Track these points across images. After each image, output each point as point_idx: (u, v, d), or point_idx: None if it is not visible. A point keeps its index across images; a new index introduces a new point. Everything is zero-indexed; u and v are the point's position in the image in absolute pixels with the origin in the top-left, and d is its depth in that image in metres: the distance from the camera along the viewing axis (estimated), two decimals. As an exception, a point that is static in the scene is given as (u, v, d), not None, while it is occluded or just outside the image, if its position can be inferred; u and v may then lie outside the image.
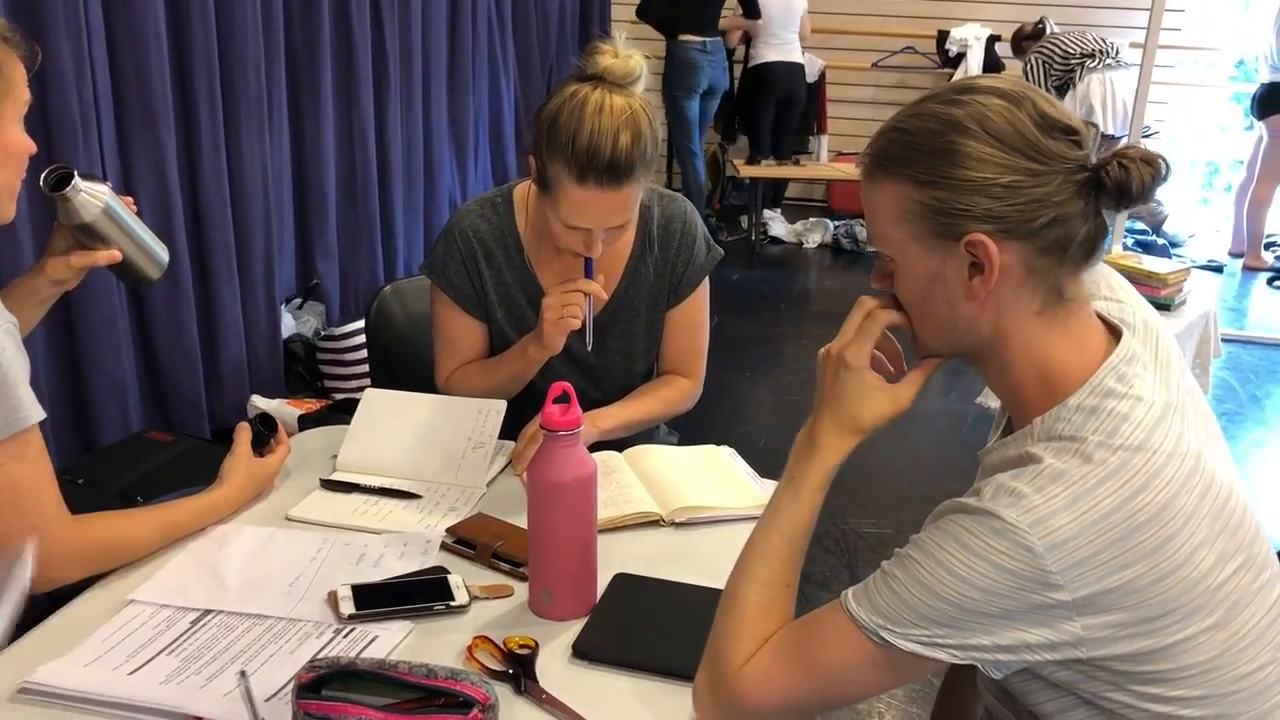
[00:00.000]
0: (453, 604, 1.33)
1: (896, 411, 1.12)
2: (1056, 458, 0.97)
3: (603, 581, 1.38)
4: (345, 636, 1.27)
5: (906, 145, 1.03)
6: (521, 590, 1.38)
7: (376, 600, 1.32)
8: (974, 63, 7.10)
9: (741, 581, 1.13)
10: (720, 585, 1.16)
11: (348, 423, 1.77)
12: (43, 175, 1.44)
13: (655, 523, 1.57)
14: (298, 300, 4.03)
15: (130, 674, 1.19)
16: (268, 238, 3.67)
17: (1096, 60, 6.10)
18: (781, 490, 1.16)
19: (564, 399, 1.29)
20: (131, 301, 3.21)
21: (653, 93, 6.26)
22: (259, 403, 3.54)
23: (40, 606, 1.37)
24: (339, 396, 3.78)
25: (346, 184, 4.21)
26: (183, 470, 2.54)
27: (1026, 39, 6.48)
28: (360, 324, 3.77)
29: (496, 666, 1.23)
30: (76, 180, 1.46)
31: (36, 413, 1.26)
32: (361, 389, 3.74)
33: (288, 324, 3.90)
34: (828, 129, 7.59)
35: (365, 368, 3.76)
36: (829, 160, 7.52)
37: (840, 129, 7.69)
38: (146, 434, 2.87)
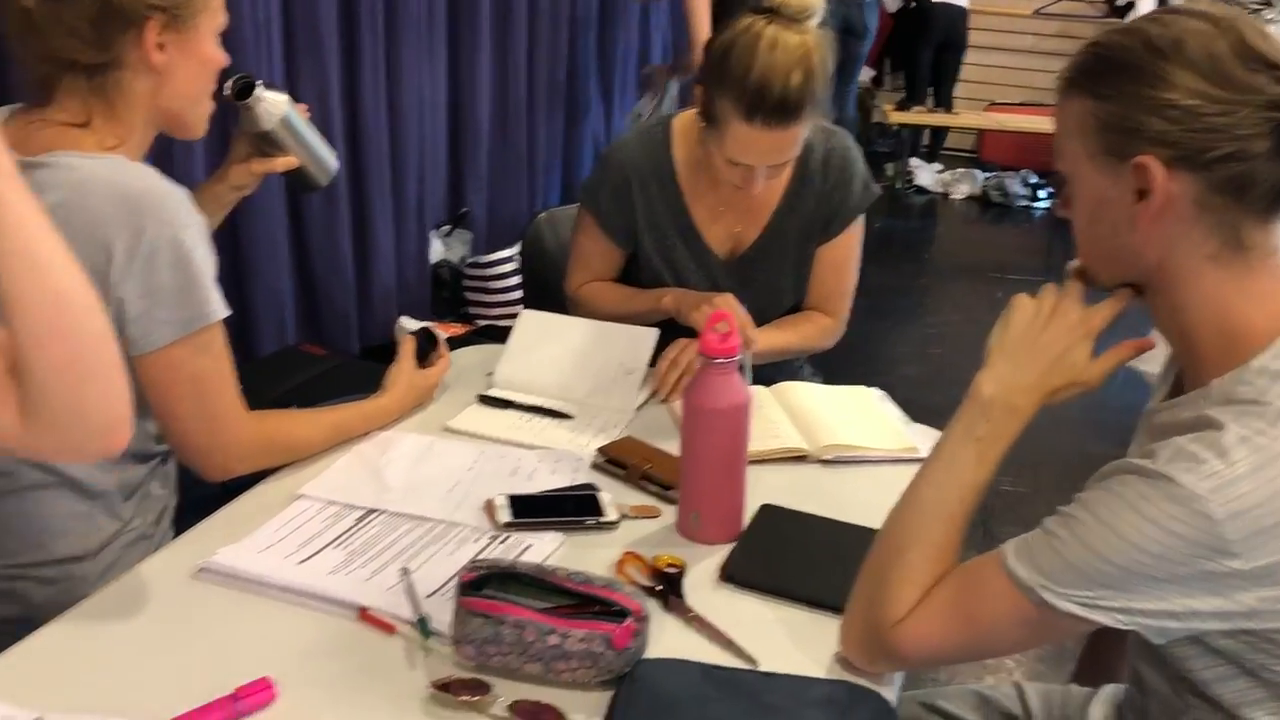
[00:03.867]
0: (603, 520, 1.36)
1: (1087, 390, 1.08)
2: (1238, 422, 0.92)
3: (748, 513, 1.39)
4: (501, 543, 1.32)
5: (1097, 59, 1.00)
6: (668, 513, 1.40)
7: (531, 510, 1.36)
8: (1143, 11, 6.75)
9: (910, 540, 1.09)
10: (865, 524, 1.14)
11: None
12: (229, 83, 1.50)
13: (801, 458, 1.57)
14: (447, 227, 4.11)
15: (300, 563, 1.26)
16: (421, 165, 3.75)
17: (1275, 10, 5.75)
18: (963, 448, 1.09)
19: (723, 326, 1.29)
20: (292, 220, 3.32)
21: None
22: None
23: (214, 496, 1.45)
24: (483, 323, 3.86)
25: (499, 117, 4.26)
26: (333, 383, 2.63)
27: None
28: (506, 253, 3.84)
29: (644, 582, 1.25)
30: (259, 90, 1.51)
31: (222, 309, 1.32)
32: (504, 316, 3.80)
33: (436, 250, 3.98)
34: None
35: (509, 295, 3.83)
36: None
37: (996, 78, 7.42)
38: (300, 347, 2.98)
